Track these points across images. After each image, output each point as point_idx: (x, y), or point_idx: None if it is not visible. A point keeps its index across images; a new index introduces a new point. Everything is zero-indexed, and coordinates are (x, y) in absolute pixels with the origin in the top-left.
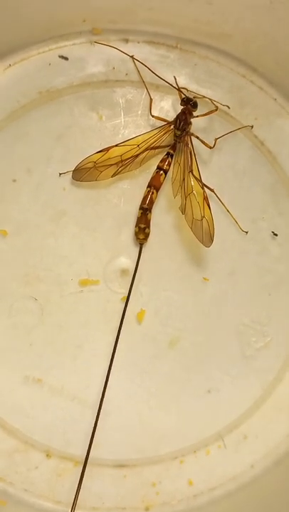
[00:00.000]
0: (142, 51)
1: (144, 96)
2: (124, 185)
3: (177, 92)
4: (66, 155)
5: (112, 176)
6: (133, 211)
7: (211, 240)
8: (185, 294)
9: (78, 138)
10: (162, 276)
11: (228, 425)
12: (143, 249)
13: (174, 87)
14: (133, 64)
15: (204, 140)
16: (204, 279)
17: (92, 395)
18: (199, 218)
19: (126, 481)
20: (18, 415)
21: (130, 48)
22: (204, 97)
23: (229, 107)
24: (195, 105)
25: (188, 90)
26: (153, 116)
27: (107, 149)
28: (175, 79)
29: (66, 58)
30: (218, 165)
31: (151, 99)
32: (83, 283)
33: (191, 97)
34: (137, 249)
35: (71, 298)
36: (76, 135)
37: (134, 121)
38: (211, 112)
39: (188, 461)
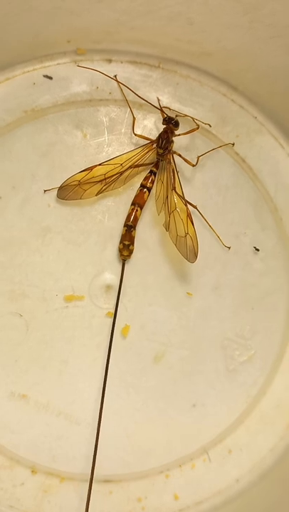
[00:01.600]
0: (125, 70)
1: (127, 115)
2: (108, 202)
3: (159, 111)
4: (51, 172)
5: (96, 195)
6: (117, 227)
7: (195, 256)
8: (170, 308)
9: (63, 155)
10: (147, 291)
11: (213, 439)
12: (128, 265)
13: (156, 107)
14: (117, 84)
15: (187, 158)
16: (188, 294)
17: (78, 411)
18: (183, 235)
19: (112, 496)
20: (3, 431)
21: (113, 68)
22: (186, 115)
23: (211, 125)
24: (176, 124)
25: (170, 109)
26: (136, 134)
27: (91, 168)
28: (158, 100)
29: (50, 78)
30: (201, 181)
31: (134, 118)
32: (68, 299)
33: (172, 116)
34: (121, 265)
35: (56, 314)
36: (61, 152)
37: (117, 139)
38: (193, 130)
39: (173, 475)
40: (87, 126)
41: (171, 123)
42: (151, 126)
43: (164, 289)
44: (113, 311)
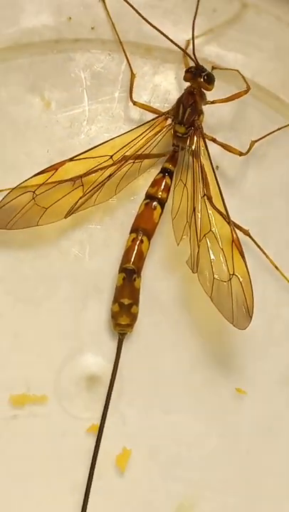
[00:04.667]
0: None
1: (124, 66)
2: (90, 223)
3: (183, 57)
4: None
5: (66, 216)
6: (107, 270)
7: (249, 316)
8: (204, 418)
9: (8, 141)
10: (162, 387)
11: None
12: (128, 339)
13: (178, 47)
14: (104, 9)
15: (229, 144)
16: (238, 390)
17: None
18: (225, 278)
19: None
20: None
21: None
22: (227, 69)
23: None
24: (210, 79)
25: (198, 64)
26: (135, 103)
27: (56, 167)
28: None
29: None
30: (258, 185)
31: (133, 75)
32: (18, 402)
33: (203, 66)
34: (115, 340)
35: None
36: (5, 136)
37: (106, 110)
38: (241, 94)
39: None
40: (51, 88)
41: (200, 76)
42: (167, 86)
43: (192, 381)
44: (98, 423)
